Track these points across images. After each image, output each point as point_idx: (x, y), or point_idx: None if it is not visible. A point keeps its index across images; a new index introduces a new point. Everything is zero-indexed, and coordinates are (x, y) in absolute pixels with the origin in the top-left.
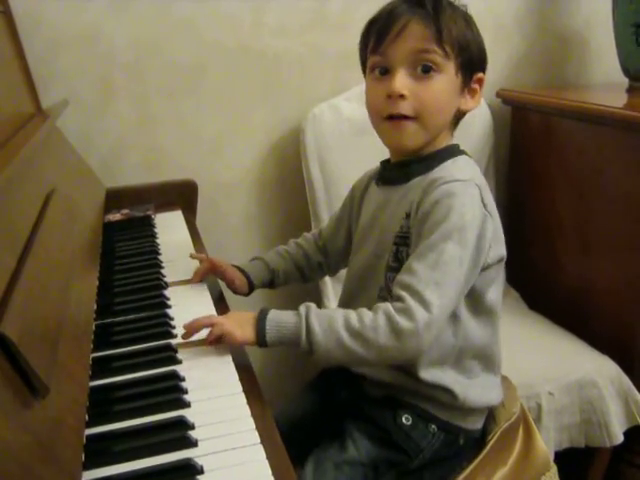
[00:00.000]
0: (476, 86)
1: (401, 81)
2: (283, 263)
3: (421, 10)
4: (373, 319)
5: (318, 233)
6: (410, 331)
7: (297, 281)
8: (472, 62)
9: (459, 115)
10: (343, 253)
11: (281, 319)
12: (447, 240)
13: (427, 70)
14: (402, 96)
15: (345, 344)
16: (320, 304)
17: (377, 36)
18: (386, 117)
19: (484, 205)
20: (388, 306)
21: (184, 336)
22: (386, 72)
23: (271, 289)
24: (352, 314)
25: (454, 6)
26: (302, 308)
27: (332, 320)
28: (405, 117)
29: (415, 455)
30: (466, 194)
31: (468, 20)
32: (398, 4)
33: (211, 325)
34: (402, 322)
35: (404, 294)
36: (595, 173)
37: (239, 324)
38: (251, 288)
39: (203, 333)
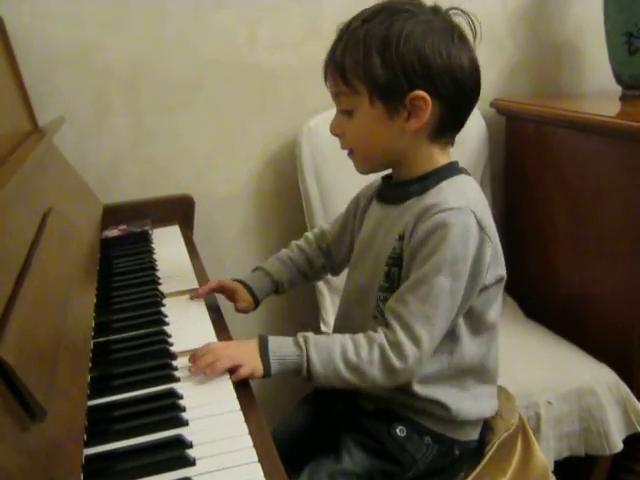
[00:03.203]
0: (418, 104)
1: (333, 122)
2: (286, 272)
3: (333, 50)
4: (369, 352)
5: (321, 233)
6: (402, 369)
7: (301, 284)
8: (389, 87)
9: (426, 131)
10: (347, 257)
11: (283, 352)
12: (438, 273)
13: (345, 111)
14: (337, 135)
15: (342, 376)
16: (318, 316)
17: None
18: None
19: (482, 228)
20: (382, 339)
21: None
22: None
23: (275, 295)
24: (349, 345)
25: (357, 37)
26: (301, 339)
27: (330, 352)
28: (349, 150)
29: (410, 467)
30: (460, 224)
31: (374, 47)
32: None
33: (235, 367)
34: (395, 361)
35: (395, 325)
36: (590, 181)
37: (250, 361)
38: (256, 304)
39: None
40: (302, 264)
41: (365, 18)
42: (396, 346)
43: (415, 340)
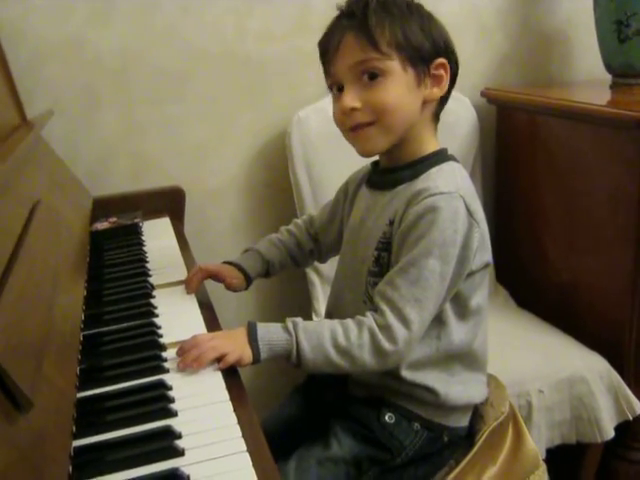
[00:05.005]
0: (439, 72)
1: (350, 96)
2: (277, 253)
3: (351, 21)
4: (358, 336)
5: (309, 220)
6: (392, 351)
7: (290, 268)
8: (421, 53)
9: (433, 108)
10: (335, 244)
11: (272, 338)
12: (428, 256)
13: (373, 77)
14: (355, 109)
15: (332, 360)
16: (309, 306)
17: (322, 59)
18: (349, 129)
19: (470, 213)
20: (372, 323)
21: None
22: (342, 88)
23: (265, 278)
24: (338, 329)
25: (387, 4)
26: (290, 324)
27: (320, 337)
28: (365, 124)
29: (398, 453)
30: (449, 208)
31: (406, 14)
32: (333, 22)
33: (221, 356)
34: (385, 343)
35: (385, 308)
36: (580, 170)
37: (237, 348)
38: (248, 282)
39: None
40: (292, 247)
41: None
42: (386, 329)
43: (405, 322)
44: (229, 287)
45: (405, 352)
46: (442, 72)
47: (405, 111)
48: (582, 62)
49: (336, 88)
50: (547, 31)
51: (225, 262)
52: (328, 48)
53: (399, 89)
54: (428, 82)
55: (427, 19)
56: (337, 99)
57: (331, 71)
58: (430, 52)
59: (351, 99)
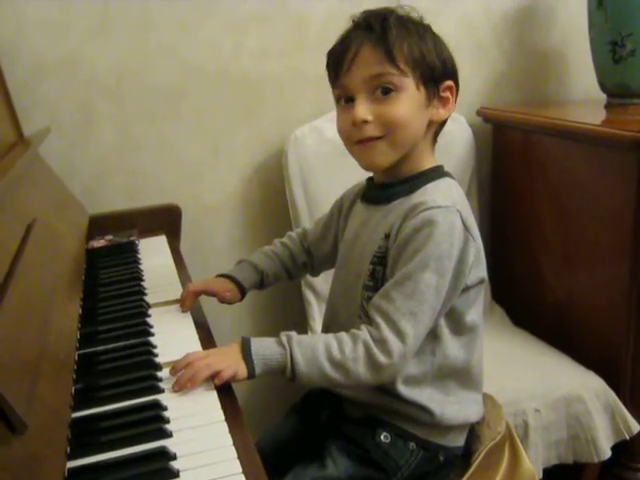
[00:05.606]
0: (446, 94)
1: (362, 108)
2: (271, 264)
3: (370, 34)
4: (353, 349)
5: (303, 234)
6: (387, 365)
7: (284, 280)
8: (434, 73)
9: (435, 128)
10: (328, 258)
11: (266, 353)
12: (424, 269)
13: (386, 92)
14: (366, 121)
15: (327, 374)
16: (306, 324)
17: (334, 68)
18: (356, 142)
19: (467, 228)
20: (367, 336)
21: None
22: (351, 100)
23: (259, 290)
24: (333, 343)
25: (404, 21)
26: (284, 338)
27: (314, 350)
28: (374, 138)
29: (394, 473)
30: (446, 222)
31: (422, 33)
32: (349, 32)
33: (215, 374)
34: (380, 357)
35: (380, 321)
36: (576, 189)
37: (232, 363)
38: (243, 293)
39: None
40: (285, 259)
41: (393, 12)
42: (381, 342)
43: (400, 335)
44: (222, 301)
45: (400, 365)
46: (449, 94)
47: (414, 129)
48: (577, 82)
49: (344, 100)
50: (543, 50)
51: (219, 275)
52: (342, 58)
53: (411, 106)
54: (436, 103)
55: (438, 40)
56: (345, 111)
57: (343, 82)
58: (441, 73)
59: (363, 111)
